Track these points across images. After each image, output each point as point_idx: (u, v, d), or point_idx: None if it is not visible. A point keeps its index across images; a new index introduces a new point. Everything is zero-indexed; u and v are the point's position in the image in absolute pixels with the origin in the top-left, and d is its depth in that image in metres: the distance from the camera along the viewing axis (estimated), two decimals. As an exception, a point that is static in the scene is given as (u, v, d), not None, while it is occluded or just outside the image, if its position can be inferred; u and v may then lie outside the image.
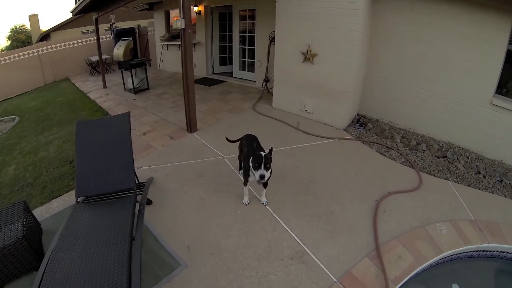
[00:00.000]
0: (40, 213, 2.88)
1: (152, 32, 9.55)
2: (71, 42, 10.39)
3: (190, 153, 3.73)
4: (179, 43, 8.04)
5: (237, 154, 3.16)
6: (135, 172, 2.86)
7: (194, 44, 7.54)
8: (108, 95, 6.93)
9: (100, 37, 10.88)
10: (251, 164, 2.39)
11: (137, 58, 6.62)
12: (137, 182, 2.95)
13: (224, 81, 7.09)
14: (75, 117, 5.92)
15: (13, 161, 4.58)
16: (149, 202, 2.88)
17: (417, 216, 2.63)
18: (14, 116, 7.00)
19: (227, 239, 2.38)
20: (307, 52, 4.35)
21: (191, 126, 4.18)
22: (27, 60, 9.59)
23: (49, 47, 10.00)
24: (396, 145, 3.89)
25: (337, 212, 2.65)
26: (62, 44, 10.22)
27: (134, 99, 6.25)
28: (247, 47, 6.78)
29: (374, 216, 2.56)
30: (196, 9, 7.23)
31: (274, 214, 2.62)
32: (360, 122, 4.49)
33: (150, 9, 9.20)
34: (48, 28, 15.40)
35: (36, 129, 5.84)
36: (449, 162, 3.56)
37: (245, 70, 7.01)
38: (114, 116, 2.95)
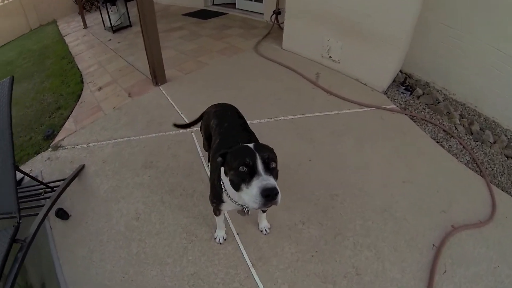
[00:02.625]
0: None
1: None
2: (55, -22, 8.69)
3: (145, 120, 2.43)
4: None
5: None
6: (31, 176, 1.66)
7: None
8: (85, 36, 5.65)
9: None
10: (224, 176, 1.03)
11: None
12: (48, 184, 1.76)
13: (224, 13, 5.31)
14: (38, 69, 4.74)
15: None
16: (66, 216, 1.77)
17: (489, 280, 1.36)
18: (-14, 74, 5.99)
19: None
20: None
21: (156, 77, 2.79)
22: (5, 6, 8.20)
23: (29, -13, 8.43)
24: (456, 129, 2.34)
25: (368, 271, 1.32)
26: (45, -18, 8.57)
27: (110, 40, 4.89)
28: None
29: (430, 283, 1.24)
30: None
31: (252, 270, 1.31)
32: (405, 85, 2.77)
33: None
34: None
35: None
36: (522, 167, 2.08)
37: (252, 0, 5.10)
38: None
